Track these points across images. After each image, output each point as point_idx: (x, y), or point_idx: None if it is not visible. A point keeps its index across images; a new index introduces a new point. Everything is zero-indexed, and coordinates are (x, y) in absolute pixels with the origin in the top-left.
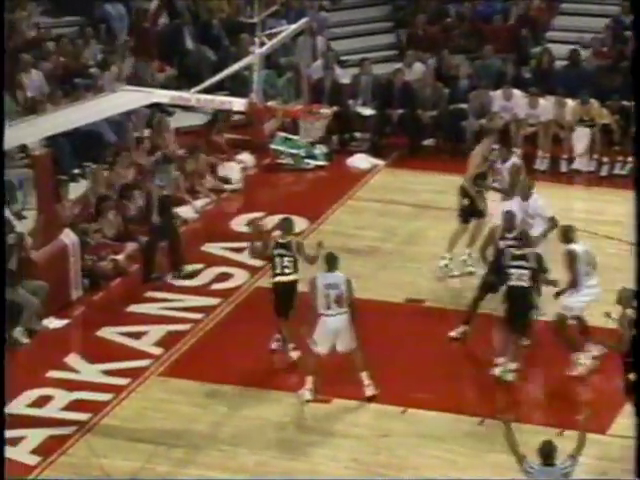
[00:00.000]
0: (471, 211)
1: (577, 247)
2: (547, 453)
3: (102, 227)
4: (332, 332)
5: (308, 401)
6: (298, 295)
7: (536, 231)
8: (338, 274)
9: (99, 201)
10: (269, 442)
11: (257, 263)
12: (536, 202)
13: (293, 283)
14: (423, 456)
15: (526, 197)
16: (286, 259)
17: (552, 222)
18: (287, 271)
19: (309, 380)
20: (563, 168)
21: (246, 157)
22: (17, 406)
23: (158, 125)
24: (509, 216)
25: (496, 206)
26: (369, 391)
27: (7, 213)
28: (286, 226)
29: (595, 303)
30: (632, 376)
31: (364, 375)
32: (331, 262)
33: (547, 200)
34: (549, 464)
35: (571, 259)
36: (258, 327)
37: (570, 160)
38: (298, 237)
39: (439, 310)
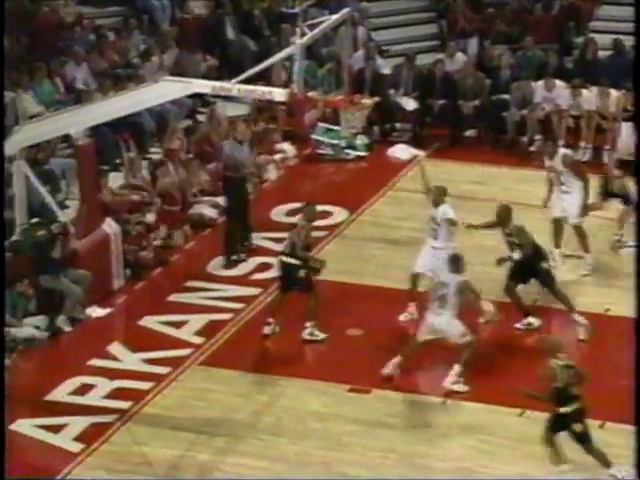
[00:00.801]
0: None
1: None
2: None
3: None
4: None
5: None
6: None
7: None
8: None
9: (154, 167)
10: (309, 432)
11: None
12: (446, 210)
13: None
14: (463, 447)
15: (437, 204)
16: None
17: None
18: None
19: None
20: (606, 159)
21: (286, 147)
22: (59, 394)
23: (212, 113)
24: None
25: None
26: (457, 387)
27: (51, 202)
28: (307, 212)
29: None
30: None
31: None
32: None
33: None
34: None
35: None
36: (298, 317)
37: (613, 149)
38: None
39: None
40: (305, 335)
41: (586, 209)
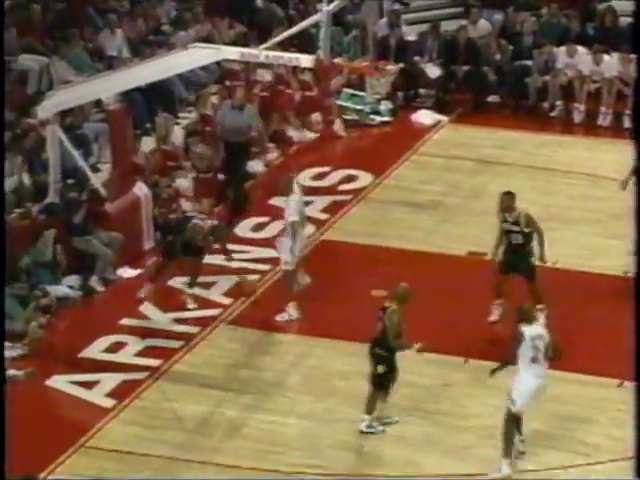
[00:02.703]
0: None
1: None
2: None
3: (194, 161)
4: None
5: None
6: None
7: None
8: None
9: (188, 135)
10: (334, 390)
11: (323, 217)
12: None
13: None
14: (485, 405)
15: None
16: None
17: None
18: None
19: None
20: (627, 124)
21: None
22: (92, 352)
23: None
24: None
25: None
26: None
27: (83, 165)
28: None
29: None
30: None
31: None
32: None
33: None
34: None
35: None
36: (323, 278)
37: (633, 116)
38: None
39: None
40: None
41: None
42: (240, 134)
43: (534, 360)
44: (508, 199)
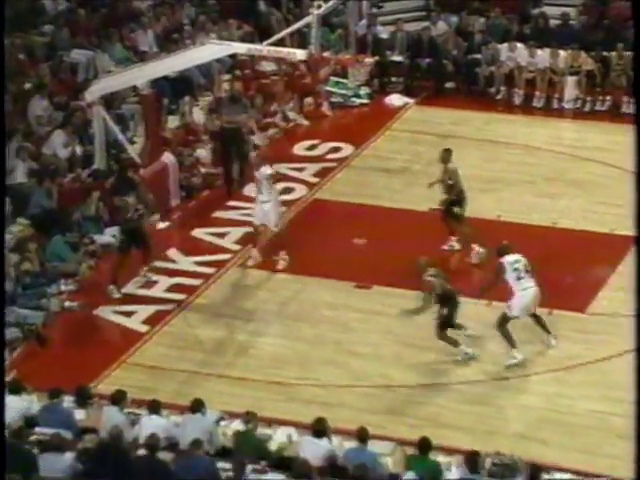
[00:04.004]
0: None
1: None
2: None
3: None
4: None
5: None
6: None
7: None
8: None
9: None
10: (324, 319)
11: (314, 180)
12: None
13: None
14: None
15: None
16: None
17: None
18: None
19: None
20: (556, 105)
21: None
22: (131, 288)
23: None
24: None
25: None
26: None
27: (122, 139)
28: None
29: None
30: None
31: None
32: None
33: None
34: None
35: None
36: (315, 229)
37: (561, 99)
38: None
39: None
40: None
41: None
42: (235, 122)
43: (519, 278)
44: (446, 154)
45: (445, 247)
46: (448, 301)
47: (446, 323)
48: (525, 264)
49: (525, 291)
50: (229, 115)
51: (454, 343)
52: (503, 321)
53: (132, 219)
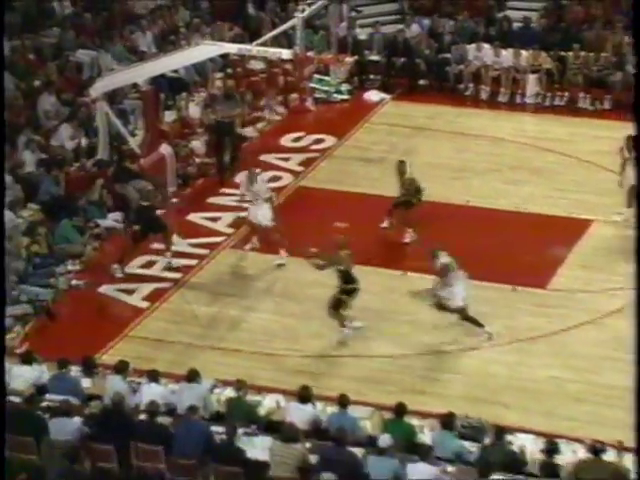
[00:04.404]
0: None
1: None
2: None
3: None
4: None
5: None
6: None
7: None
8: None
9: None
10: (309, 296)
11: (299, 169)
12: (261, 184)
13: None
14: (417, 305)
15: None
16: None
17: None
18: None
19: None
20: (519, 100)
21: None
22: (132, 267)
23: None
24: None
25: None
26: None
27: (124, 131)
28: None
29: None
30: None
31: None
32: None
33: None
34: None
35: None
36: (299, 214)
37: (523, 95)
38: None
39: (433, 204)
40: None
41: None
42: (229, 116)
43: (452, 270)
44: (401, 165)
45: (384, 225)
46: (351, 283)
47: (340, 303)
48: (452, 258)
49: (459, 286)
50: (223, 110)
51: (341, 320)
52: (461, 312)
53: (147, 206)
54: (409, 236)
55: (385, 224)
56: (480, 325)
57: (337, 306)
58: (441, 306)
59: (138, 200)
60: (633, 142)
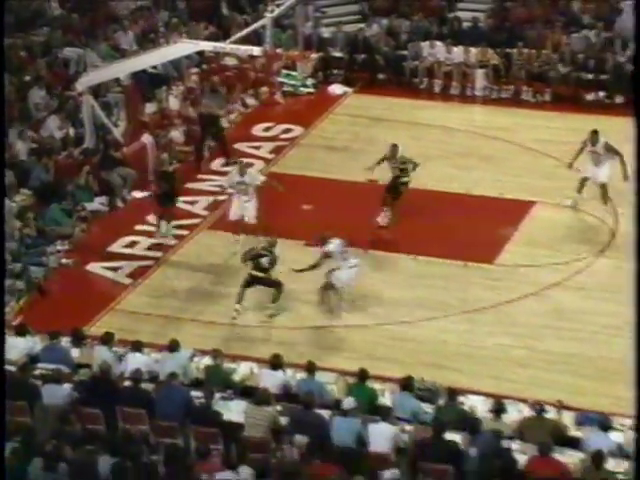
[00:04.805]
0: None
1: None
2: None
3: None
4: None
5: None
6: None
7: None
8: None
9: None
10: (278, 274)
11: (270, 156)
12: (254, 175)
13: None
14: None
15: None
16: None
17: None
18: None
19: None
20: (469, 93)
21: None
22: (116, 247)
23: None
24: None
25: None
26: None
27: (107, 122)
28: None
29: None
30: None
31: None
32: None
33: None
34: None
35: None
36: (270, 198)
37: (473, 88)
38: None
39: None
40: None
41: None
42: (213, 108)
43: (345, 259)
44: (393, 149)
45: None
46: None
47: (249, 283)
48: (346, 245)
49: (352, 269)
50: (209, 104)
51: (239, 299)
52: (327, 287)
53: (169, 171)
54: (384, 217)
55: (380, 219)
56: (331, 310)
57: (246, 285)
58: (328, 286)
59: (121, 185)
60: (596, 137)
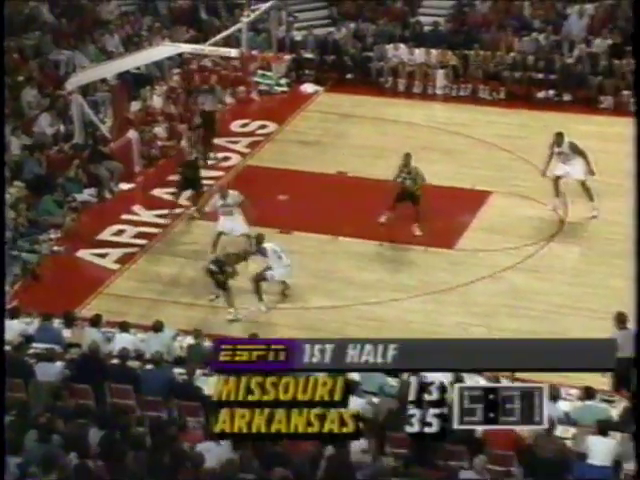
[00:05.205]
0: None
1: None
2: None
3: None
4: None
5: None
6: None
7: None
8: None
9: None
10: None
11: (247, 150)
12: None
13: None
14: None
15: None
16: None
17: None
18: None
19: None
20: (430, 91)
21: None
22: (104, 235)
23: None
24: None
25: None
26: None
27: (95, 119)
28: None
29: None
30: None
31: None
32: None
33: None
34: None
35: None
36: (247, 189)
37: (434, 87)
38: None
39: (359, 179)
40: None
41: None
42: (210, 105)
43: (279, 257)
44: (406, 158)
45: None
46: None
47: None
48: (280, 247)
49: (285, 268)
50: (206, 103)
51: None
52: (258, 279)
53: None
54: (385, 216)
55: (383, 219)
56: (260, 299)
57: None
58: (259, 277)
59: (108, 178)
60: (561, 138)
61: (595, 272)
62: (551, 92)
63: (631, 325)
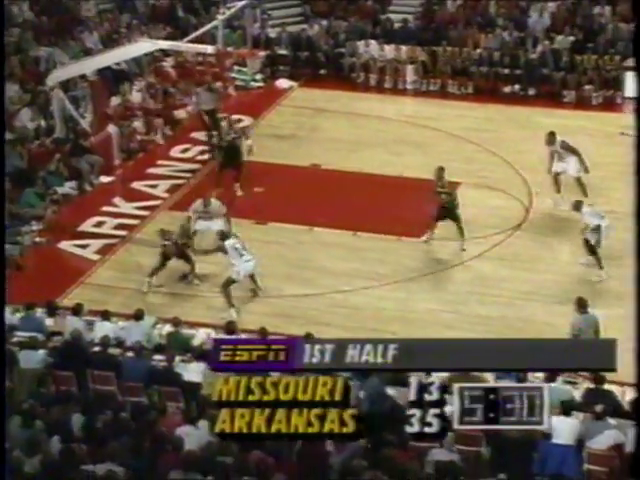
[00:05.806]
0: None
1: None
2: None
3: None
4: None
5: None
6: None
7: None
8: None
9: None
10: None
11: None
12: (215, 204)
13: None
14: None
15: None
16: None
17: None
18: None
19: None
20: (400, 86)
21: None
22: (85, 227)
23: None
24: None
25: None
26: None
27: (76, 114)
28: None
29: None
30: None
31: None
32: None
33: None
34: None
35: None
36: (225, 181)
37: (404, 82)
38: None
39: (333, 171)
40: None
41: None
42: (210, 104)
43: (241, 255)
44: (440, 172)
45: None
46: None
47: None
48: (242, 243)
49: (247, 263)
50: (207, 101)
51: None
52: (227, 283)
53: (230, 140)
54: (427, 235)
55: (425, 237)
56: (231, 305)
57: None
58: (228, 282)
59: (89, 171)
60: (553, 138)
61: (557, 260)
62: (516, 87)
63: (591, 310)
